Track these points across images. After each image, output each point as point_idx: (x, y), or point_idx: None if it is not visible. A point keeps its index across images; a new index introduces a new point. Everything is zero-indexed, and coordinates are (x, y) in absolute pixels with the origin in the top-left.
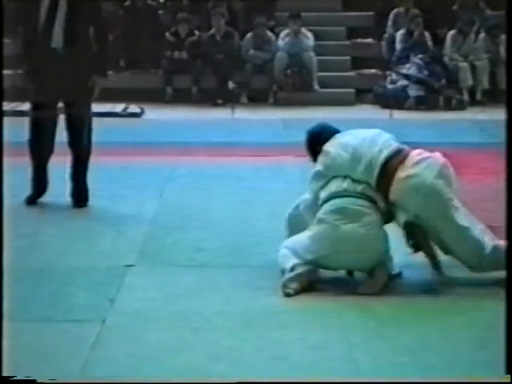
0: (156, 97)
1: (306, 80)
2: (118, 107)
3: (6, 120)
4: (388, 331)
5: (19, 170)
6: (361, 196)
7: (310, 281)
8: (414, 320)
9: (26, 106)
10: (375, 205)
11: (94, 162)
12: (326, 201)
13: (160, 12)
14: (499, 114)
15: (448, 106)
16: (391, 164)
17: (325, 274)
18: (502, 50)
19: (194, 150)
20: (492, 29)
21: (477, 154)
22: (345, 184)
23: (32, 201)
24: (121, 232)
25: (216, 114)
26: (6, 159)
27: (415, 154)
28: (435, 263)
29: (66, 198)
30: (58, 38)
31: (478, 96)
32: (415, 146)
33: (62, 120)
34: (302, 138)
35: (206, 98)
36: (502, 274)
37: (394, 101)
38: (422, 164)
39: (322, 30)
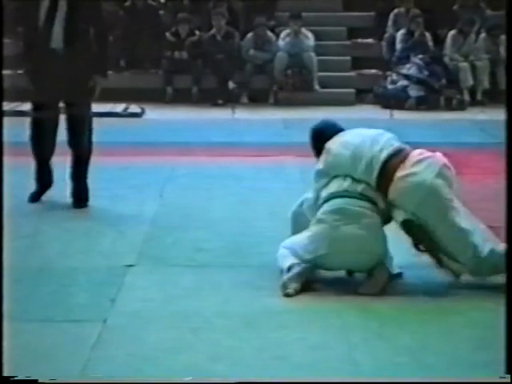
0: (156, 97)
1: (306, 80)
2: (119, 107)
3: (6, 120)
4: (388, 331)
5: (19, 170)
6: (361, 197)
7: (309, 280)
8: (415, 320)
9: (25, 106)
10: (375, 206)
11: (95, 162)
12: (326, 200)
13: (160, 12)
14: (499, 114)
15: (448, 106)
16: (391, 163)
17: (325, 274)
18: (503, 50)
19: (195, 150)
20: (492, 29)
21: (477, 154)
22: (345, 184)
23: (36, 198)
24: (121, 232)
25: (216, 114)
26: (5, 159)
27: (416, 154)
28: (438, 261)
29: (67, 198)
30: (57, 39)
31: (479, 96)
32: (416, 146)
33: (62, 120)
34: (302, 138)
35: (207, 98)
36: (502, 279)
37: (394, 101)
38: (423, 163)
39: (323, 30)
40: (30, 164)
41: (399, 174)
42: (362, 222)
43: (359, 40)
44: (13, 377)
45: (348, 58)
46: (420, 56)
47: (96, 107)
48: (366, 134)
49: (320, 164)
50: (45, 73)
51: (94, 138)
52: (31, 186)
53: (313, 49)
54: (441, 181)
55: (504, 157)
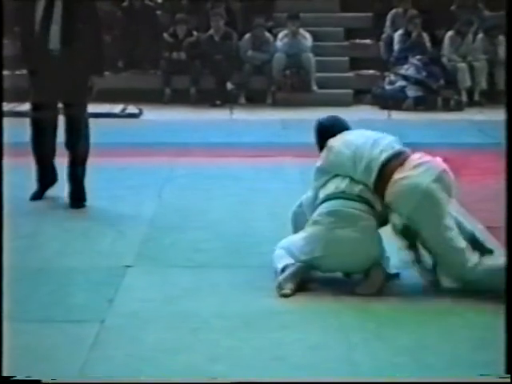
0: (154, 97)
1: (304, 81)
2: (117, 108)
3: (5, 120)
4: (387, 332)
5: (18, 171)
6: (358, 199)
7: (304, 280)
8: (413, 320)
9: (24, 107)
10: (372, 208)
11: (93, 163)
12: (322, 202)
13: (158, 13)
14: (497, 115)
15: (446, 107)
16: (390, 166)
17: (322, 274)
18: (500, 51)
19: (193, 151)
20: (490, 29)
21: (475, 155)
22: (343, 185)
23: (37, 196)
24: (119, 232)
25: (214, 115)
26: (4, 159)
27: (415, 158)
28: (420, 265)
29: (65, 198)
30: (54, 39)
31: (476, 97)
32: (414, 146)
33: (60, 120)
34: (300, 138)
35: (205, 99)
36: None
37: (392, 101)
38: (421, 167)
39: (321, 31)
40: (30, 164)
41: (396, 176)
42: (357, 225)
43: (357, 41)
44: (12, 377)
45: (346, 58)
46: (418, 57)
47: (94, 108)
48: (369, 135)
49: (321, 161)
50: (43, 73)
51: (92, 139)
52: (30, 186)
53: (311, 49)
54: (438, 185)
55: (503, 157)
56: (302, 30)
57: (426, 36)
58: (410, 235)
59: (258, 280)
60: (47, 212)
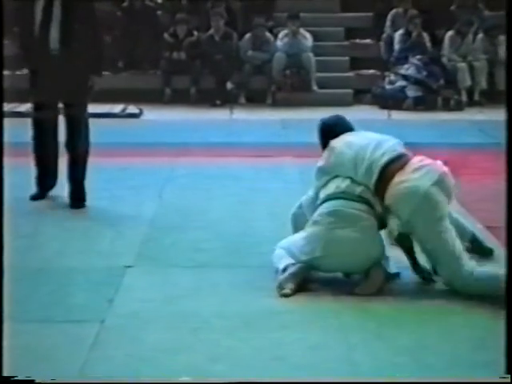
0: (155, 97)
1: (304, 80)
2: (117, 108)
3: (5, 120)
4: (387, 331)
5: (18, 171)
6: (358, 199)
7: (305, 280)
8: (413, 320)
9: (24, 107)
10: (372, 209)
11: (93, 163)
12: (322, 202)
13: (158, 13)
14: (497, 115)
15: (446, 107)
16: (390, 168)
17: (322, 274)
18: (501, 51)
19: (193, 151)
20: (490, 29)
21: (475, 155)
22: (343, 185)
23: (37, 197)
24: (120, 232)
25: (214, 115)
26: (5, 159)
27: (416, 161)
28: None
29: (65, 198)
30: (54, 40)
31: (476, 96)
32: (414, 146)
33: (60, 121)
34: (300, 138)
35: (205, 99)
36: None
37: (392, 101)
38: (421, 171)
39: (321, 31)
40: (30, 164)
41: (396, 179)
42: (358, 225)
43: (357, 40)
44: (12, 377)
45: (346, 58)
46: (418, 56)
47: (94, 108)
48: (371, 137)
49: (322, 161)
50: (43, 73)
51: (92, 139)
52: (30, 186)
53: (311, 49)
54: (437, 189)
55: (502, 157)
56: (302, 30)
57: (426, 36)
58: (406, 242)
59: (258, 280)
60: (47, 212)
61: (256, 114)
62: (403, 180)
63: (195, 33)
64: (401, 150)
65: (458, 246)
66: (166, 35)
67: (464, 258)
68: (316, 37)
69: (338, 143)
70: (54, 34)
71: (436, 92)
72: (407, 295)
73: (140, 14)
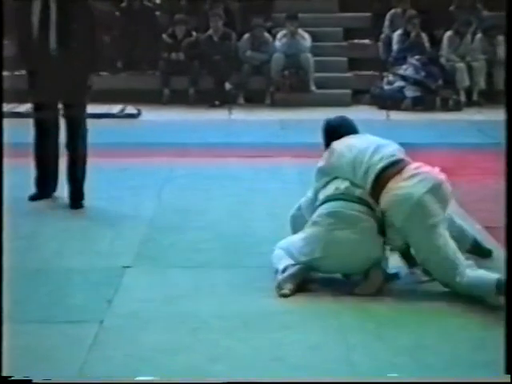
0: (153, 98)
1: (303, 81)
2: (115, 108)
3: (4, 121)
4: (386, 332)
5: (17, 172)
6: (358, 200)
7: (304, 280)
8: (413, 321)
9: (23, 108)
10: (372, 210)
11: (92, 164)
12: (322, 203)
13: (157, 13)
14: (496, 115)
15: (445, 107)
16: (386, 174)
17: (321, 274)
18: (499, 51)
19: (192, 151)
20: (489, 30)
21: (474, 155)
22: (343, 186)
23: (35, 198)
24: (119, 233)
25: (213, 115)
26: (4, 160)
27: (412, 168)
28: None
29: (64, 198)
30: (52, 40)
31: (475, 97)
32: (412, 146)
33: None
34: (298, 138)
35: (204, 99)
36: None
37: (390, 102)
38: (416, 178)
39: (319, 31)
40: (29, 165)
41: (391, 185)
42: (357, 226)
43: (356, 41)
44: (12, 377)
45: (344, 58)
46: (416, 57)
47: (92, 108)
48: (372, 140)
49: (322, 162)
50: (42, 74)
51: (91, 139)
52: (29, 186)
53: (309, 50)
54: (431, 197)
55: (502, 157)
56: (300, 31)
57: (424, 36)
58: (405, 252)
59: (258, 280)
60: (46, 212)
61: (255, 115)
62: (397, 187)
63: (194, 33)
64: (400, 155)
65: (453, 252)
66: (164, 36)
67: (459, 264)
68: (314, 37)
69: (338, 145)
70: (52, 34)
71: (434, 92)
72: (406, 296)
73: (139, 14)
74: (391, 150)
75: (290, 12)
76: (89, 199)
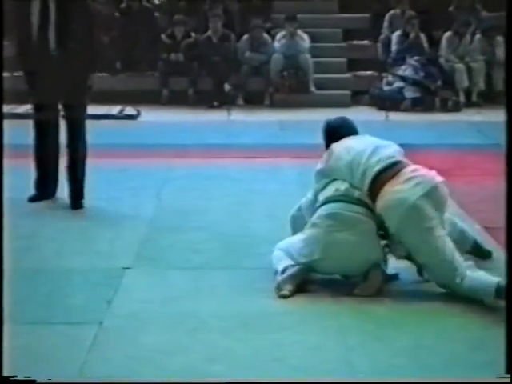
0: (152, 99)
1: (302, 82)
2: (114, 109)
3: (4, 122)
4: (386, 333)
5: (17, 172)
6: (357, 202)
7: (303, 281)
8: (412, 321)
9: (22, 109)
10: (371, 212)
11: (91, 164)
12: (322, 204)
13: (156, 14)
14: (495, 116)
15: (444, 108)
16: (382, 177)
17: (320, 275)
18: (498, 52)
19: (191, 152)
20: (488, 30)
21: (473, 156)
22: (343, 188)
23: (35, 199)
24: (118, 234)
25: (212, 116)
26: (4, 161)
27: (408, 171)
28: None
29: (64, 199)
30: (51, 40)
31: (474, 97)
32: (412, 147)
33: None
34: (297, 139)
35: (203, 100)
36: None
37: (390, 102)
38: (412, 181)
39: (318, 32)
40: (29, 165)
41: (386, 188)
42: (356, 228)
43: (355, 42)
44: (12, 377)
45: (344, 59)
46: (416, 57)
47: (92, 109)
48: (371, 142)
49: (321, 164)
50: (42, 75)
51: (90, 140)
52: (29, 187)
53: (308, 51)
54: (426, 201)
55: (501, 158)
56: (299, 31)
57: (423, 37)
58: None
59: (257, 281)
60: (46, 213)
61: (254, 116)
62: (392, 190)
63: (193, 34)
64: (398, 157)
65: (451, 254)
66: (163, 37)
67: (458, 266)
68: (313, 38)
69: (337, 147)
70: (51, 34)
71: (434, 93)
72: (406, 296)
73: (138, 15)
74: (389, 151)
75: (289, 13)
76: (88, 200)
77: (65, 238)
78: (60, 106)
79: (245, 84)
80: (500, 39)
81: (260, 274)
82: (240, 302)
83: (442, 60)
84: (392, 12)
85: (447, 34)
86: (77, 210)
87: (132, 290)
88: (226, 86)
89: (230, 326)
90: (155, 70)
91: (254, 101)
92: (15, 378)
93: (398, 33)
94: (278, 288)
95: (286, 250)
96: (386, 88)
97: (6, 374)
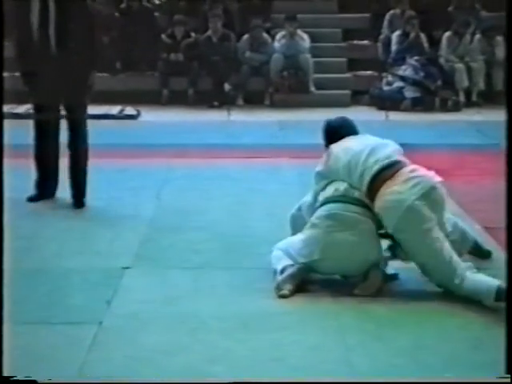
0: (152, 99)
1: (302, 82)
2: (114, 109)
3: (4, 122)
4: (385, 332)
5: (17, 172)
6: (357, 202)
7: (303, 281)
8: (412, 321)
9: (22, 109)
10: (370, 212)
11: (91, 164)
12: (321, 204)
13: (156, 14)
14: (495, 116)
15: (444, 108)
16: (380, 177)
17: (320, 275)
18: (498, 52)
19: (191, 152)
20: (487, 30)
21: (473, 155)
22: (342, 188)
23: (34, 199)
24: (118, 233)
25: (212, 116)
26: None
27: (407, 171)
28: None
29: (64, 199)
30: (51, 40)
31: (474, 97)
32: (412, 147)
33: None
34: (297, 139)
35: (203, 100)
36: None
37: (390, 102)
38: (410, 182)
39: (318, 32)
40: (29, 166)
41: (383, 189)
42: (356, 228)
43: (355, 42)
44: (12, 377)
45: (344, 59)
46: (415, 57)
47: (92, 109)
48: (369, 142)
49: (321, 166)
50: (42, 75)
51: (90, 140)
52: (29, 187)
53: (308, 50)
54: (424, 202)
55: (501, 158)
56: (299, 31)
57: (423, 37)
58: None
59: (257, 281)
60: (46, 212)
61: (254, 116)
62: (390, 191)
63: (193, 34)
64: (397, 157)
65: (449, 255)
66: (163, 37)
67: (457, 266)
68: (313, 38)
69: (336, 148)
70: (51, 35)
71: (434, 93)
72: (405, 296)
73: (138, 15)
74: (388, 151)
75: (289, 13)
76: (88, 200)
77: (65, 238)
78: (61, 106)
79: (245, 84)
80: (500, 39)
81: (260, 274)
82: (240, 302)
83: (441, 60)
84: (392, 12)
85: (447, 33)
86: (79, 208)
87: (132, 289)
88: (226, 86)
89: (230, 326)
90: (155, 70)
91: (253, 101)
92: (15, 378)
93: (397, 33)
94: (278, 288)
95: (286, 250)
96: (385, 88)
97: (6, 373)
